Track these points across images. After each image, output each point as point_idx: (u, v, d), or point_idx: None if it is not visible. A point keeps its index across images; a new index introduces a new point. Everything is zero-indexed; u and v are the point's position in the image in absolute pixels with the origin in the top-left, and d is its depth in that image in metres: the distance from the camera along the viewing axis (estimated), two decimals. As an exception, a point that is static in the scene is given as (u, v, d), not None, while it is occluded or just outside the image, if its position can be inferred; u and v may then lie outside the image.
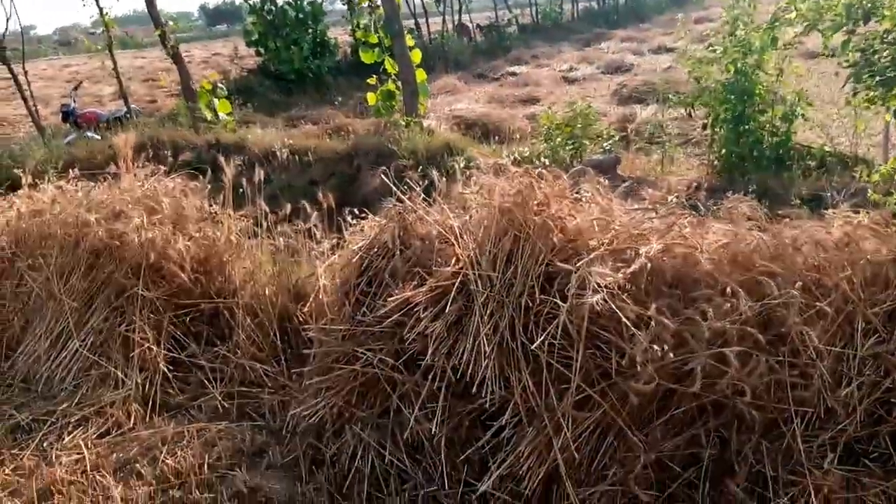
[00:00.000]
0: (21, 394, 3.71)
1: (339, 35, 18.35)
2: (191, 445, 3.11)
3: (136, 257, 3.66)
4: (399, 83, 8.79)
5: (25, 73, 9.09)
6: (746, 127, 6.30)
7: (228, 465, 2.99)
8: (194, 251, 3.91)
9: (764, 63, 6.22)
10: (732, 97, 6.24)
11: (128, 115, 9.63)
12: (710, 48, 6.55)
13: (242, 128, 8.50)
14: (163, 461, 3.01)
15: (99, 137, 9.82)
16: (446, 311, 2.71)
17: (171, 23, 8.50)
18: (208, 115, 7.90)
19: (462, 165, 5.31)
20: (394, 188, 3.27)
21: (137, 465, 3.03)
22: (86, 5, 8.48)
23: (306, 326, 3.52)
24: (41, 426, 3.38)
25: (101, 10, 8.18)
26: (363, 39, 9.21)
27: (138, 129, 7.99)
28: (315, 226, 3.98)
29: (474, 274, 2.72)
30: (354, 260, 3.15)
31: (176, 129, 8.00)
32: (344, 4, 17.49)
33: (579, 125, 6.85)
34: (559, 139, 6.84)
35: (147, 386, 3.51)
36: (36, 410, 3.50)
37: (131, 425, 3.32)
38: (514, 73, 16.77)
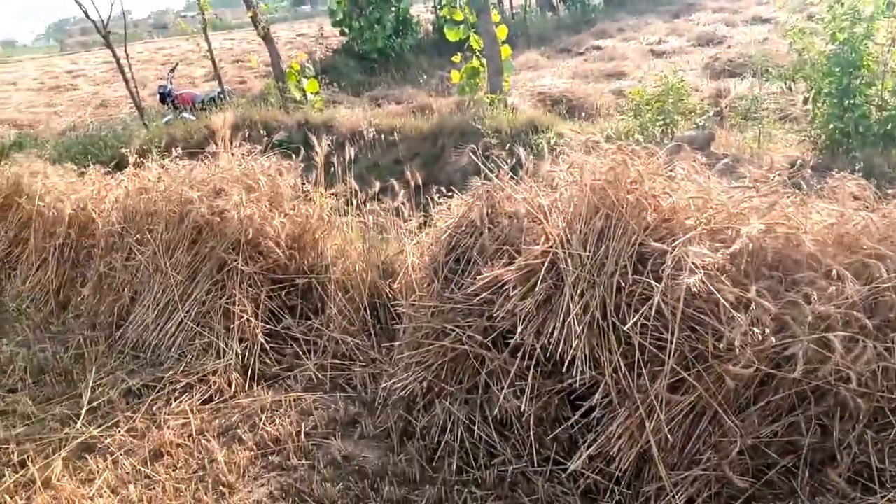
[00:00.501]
0: (131, 361, 3.98)
1: (421, 13, 18.35)
2: (288, 414, 3.26)
3: (236, 233, 3.83)
4: (484, 60, 8.72)
5: (127, 56, 9.56)
6: (852, 101, 5.93)
7: (324, 433, 3.11)
8: (289, 228, 4.06)
9: (873, 32, 5.82)
10: (837, 69, 5.88)
11: (221, 96, 10.00)
12: (814, 18, 6.17)
13: (329, 107, 8.68)
14: (262, 428, 3.17)
15: (194, 118, 10.25)
16: (536, 289, 2.71)
17: (262, 4, 8.72)
18: (297, 95, 8.12)
19: (549, 143, 5.25)
20: (481, 166, 3.28)
21: (239, 430, 3.20)
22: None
23: (395, 302, 3.60)
24: (150, 391, 3.62)
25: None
26: (448, 16, 9.14)
27: (232, 109, 8.29)
28: (403, 204, 4.05)
29: (564, 253, 2.70)
30: (443, 238, 3.18)
31: (267, 109, 8.27)
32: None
33: (670, 100, 6.62)
34: (649, 115, 6.64)
35: (246, 356, 3.69)
36: (145, 376, 3.75)
37: (232, 393, 3.51)
38: (598, 48, 16.35)
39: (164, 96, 10.65)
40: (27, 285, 5.21)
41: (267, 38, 8.58)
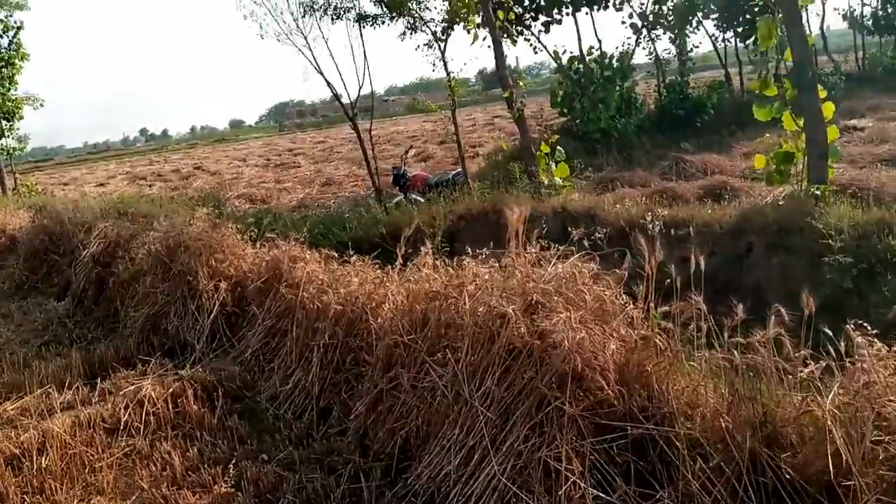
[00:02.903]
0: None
1: (643, 92, 17.50)
2: None
3: (562, 363, 2.98)
4: (793, 143, 7.22)
5: (371, 137, 9.58)
6: None
7: None
8: (617, 357, 3.16)
9: None
10: None
11: (456, 179, 9.68)
12: None
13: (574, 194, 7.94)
14: None
15: (423, 200, 10.00)
16: None
17: (520, 83, 8.32)
18: (545, 180, 7.48)
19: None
20: None
21: None
22: (434, 70, 8.71)
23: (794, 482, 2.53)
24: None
25: (448, 74, 8.36)
26: (758, 90, 7.81)
27: (472, 195, 7.81)
28: (781, 335, 2.99)
29: None
30: None
31: (514, 195, 7.68)
32: (650, 58, 16.69)
33: None
34: None
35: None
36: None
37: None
38: (854, 128, 14.40)
39: (398, 178, 10.58)
40: (287, 386, 4.76)
41: (521, 120, 8.11)
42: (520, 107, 8.12)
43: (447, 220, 7.03)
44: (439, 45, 9.09)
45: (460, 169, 10.03)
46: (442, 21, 9.23)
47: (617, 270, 3.57)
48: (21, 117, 22.26)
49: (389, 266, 4.87)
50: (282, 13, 9.58)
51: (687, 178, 11.51)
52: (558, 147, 7.21)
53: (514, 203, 7.22)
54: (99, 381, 5.39)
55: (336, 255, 5.61)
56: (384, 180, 11.36)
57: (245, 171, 25.76)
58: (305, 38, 9.16)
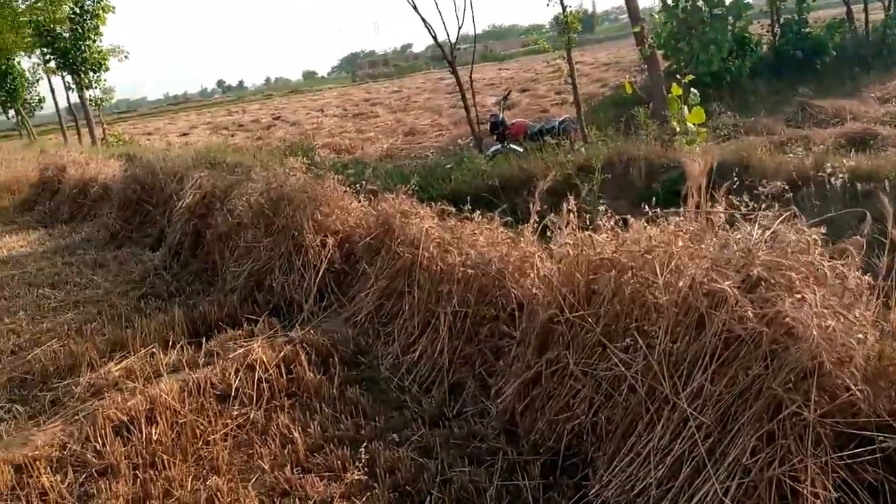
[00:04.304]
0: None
1: (757, 32, 15.96)
2: None
3: (802, 358, 2.32)
4: None
5: (471, 82, 8.88)
6: None
7: None
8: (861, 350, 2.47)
9: None
10: None
11: (565, 127, 8.89)
12: None
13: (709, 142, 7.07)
14: None
15: (521, 150, 9.29)
16: None
17: (654, 15, 7.43)
18: (677, 127, 6.66)
19: None
20: None
21: None
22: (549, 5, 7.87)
23: None
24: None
25: (564, 8, 7.52)
26: None
27: (590, 147, 7.05)
28: None
29: None
30: None
31: (642, 144, 6.88)
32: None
33: None
34: None
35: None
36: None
37: None
38: None
39: (496, 125, 9.85)
40: (410, 355, 4.27)
41: (651, 58, 7.25)
42: (651, 42, 7.24)
43: (562, 172, 6.30)
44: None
45: (567, 116, 9.24)
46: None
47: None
48: (107, 69, 22.55)
49: (519, 224, 4.27)
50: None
51: (817, 124, 10.34)
52: (693, 89, 6.37)
53: (644, 152, 6.43)
54: (204, 340, 5.06)
55: (453, 209, 5.04)
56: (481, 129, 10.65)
57: (324, 121, 25.45)
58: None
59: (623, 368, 2.66)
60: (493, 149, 9.83)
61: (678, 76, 6.82)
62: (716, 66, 13.21)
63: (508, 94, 11.39)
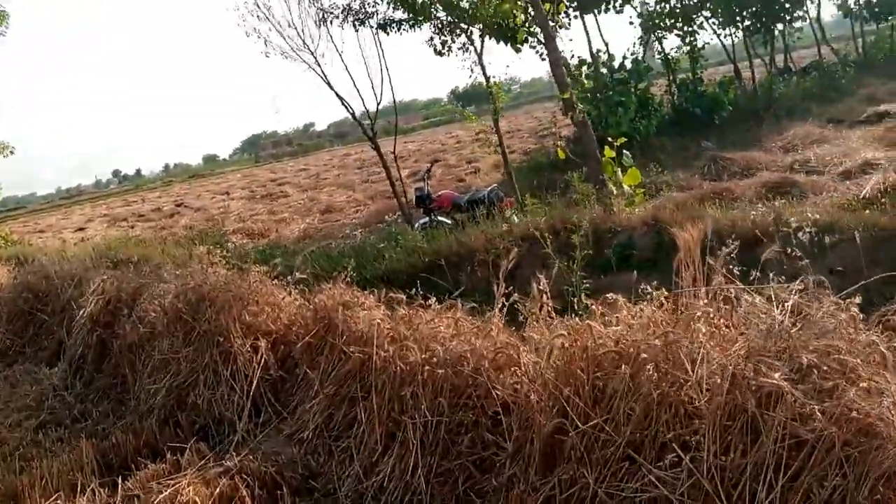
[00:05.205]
0: None
1: (655, 93, 16.66)
2: None
3: (893, 459, 1.93)
4: None
5: (395, 156, 8.53)
6: None
7: None
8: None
9: None
10: None
11: (492, 197, 8.63)
12: None
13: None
14: None
15: (449, 223, 8.96)
16: None
17: (582, 79, 7.37)
18: (614, 189, 6.49)
19: None
20: None
21: None
22: (472, 76, 7.69)
23: None
24: None
25: (487, 79, 7.36)
26: None
27: (529, 215, 6.77)
28: None
29: None
30: None
31: (580, 209, 6.63)
32: (659, 57, 15.90)
33: None
34: None
35: None
36: None
37: None
38: (887, 114, 13.62)
39: (422, 199, 9.50)
40: (373, 478, 3.65)
41: (583, 124, 7.11)
42: (582, 108, 7.15)
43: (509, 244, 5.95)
44: (475, 48, 8.11)
45: (495, 185, 9.02)
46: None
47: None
48: (-10, 166, 21.00)
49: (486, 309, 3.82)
50: (290, 24, 8.43)
51: (731, 176, 10.61)
52: (625, 151, 6.26)
53: (581, 218, 6.16)
54: (120, 480, 4.24)
55: (402, 296, 4.53)
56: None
57: (232, 205, 24.57)
58: (313, 53, 8.14)
59: (663, 489, 2.19)
60: (420, 222, 9.47)
61: (609, 139, 6.71)
62: (625, 127, 13.55)
63: (431, 166, 11.12)
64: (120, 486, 4.14)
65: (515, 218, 7.95)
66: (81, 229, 26.64)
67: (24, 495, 4.20)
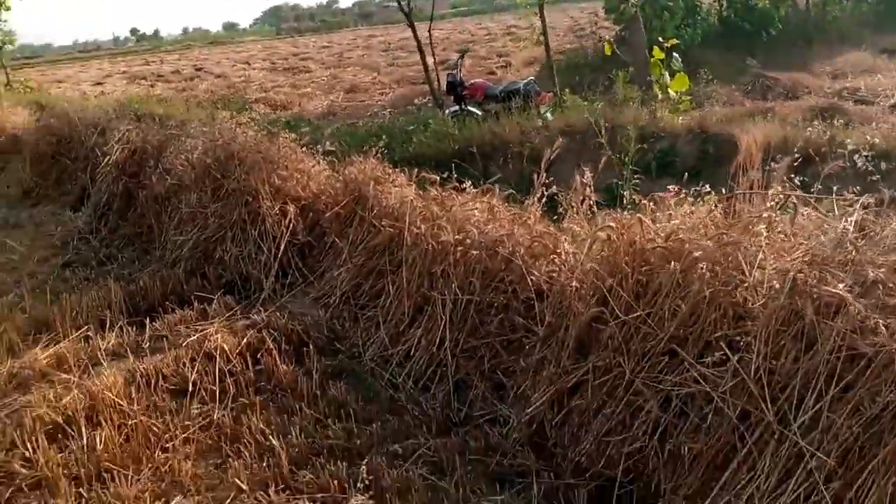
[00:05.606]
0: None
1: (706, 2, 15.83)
2: None
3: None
4: None
5: (430, 38, 8.20)
6: None
7: None
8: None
9: None
10: None
11: (528, 89, 8.35)
12: None
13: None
14: None
15: (480, 113, 8.75)
16: None
17: None
18: (660, 93, 6.27)
19: None
20: None
21: None
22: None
23: None
24: None
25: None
26: None
27: (567, 111, 6.57)
28: None
29: None
30: None
31: (621, 111, 6.41)
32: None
33: None
34: None
35: None
36: None
37: None
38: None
39: (454, 86, 9.22)
40: (399, 346, 3.73)
41: (633, 20, 6.76)
42: (635, 2, 6.78)
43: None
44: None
45: (531, 78, 8.73)
46: None
47: None
48: (8, 7, 20.36)
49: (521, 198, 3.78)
50: None
51: (775, 97, 10.26)
52: (675, 54, 5.98)
53: (626, 120, 5.99)
54: (147, 321, 4.36)
55: (436, 177, 4.47)
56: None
57: (253, 75, 23.95)
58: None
59: (705, 385, 2.21)
60: (450, 110, 9.23)
61: (660, 40, 6.41)
62: (670, 34, 12.93)
63: (464, 54, 10.70)
64: (148, 326, 4.26)
65: (550, 115, 7.75)
66: (100, 83, 26.15)
67: (55, 324, 4.33)
